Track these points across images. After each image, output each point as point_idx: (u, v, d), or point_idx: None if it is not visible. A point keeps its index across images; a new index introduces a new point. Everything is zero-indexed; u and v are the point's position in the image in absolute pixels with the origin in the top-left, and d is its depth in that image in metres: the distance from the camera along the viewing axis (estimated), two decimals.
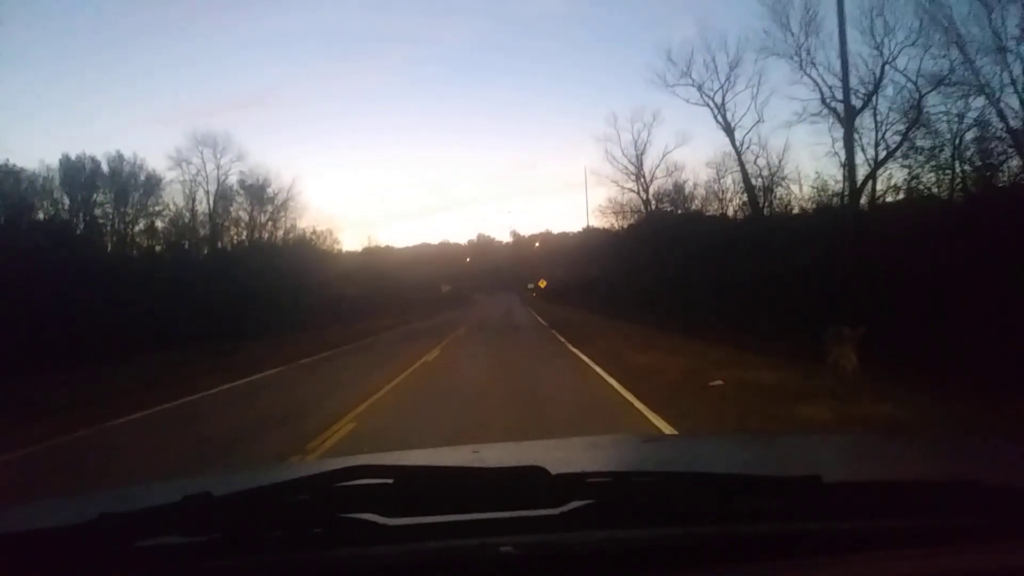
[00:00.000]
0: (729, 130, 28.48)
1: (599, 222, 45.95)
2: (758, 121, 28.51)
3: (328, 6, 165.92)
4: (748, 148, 28.41)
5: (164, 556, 1.05)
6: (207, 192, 38.90)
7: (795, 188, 27.55)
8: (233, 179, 39.59)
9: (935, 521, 1.09)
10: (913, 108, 17.66)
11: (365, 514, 1.07)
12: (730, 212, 31.17)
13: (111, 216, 36.46)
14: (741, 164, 28.62)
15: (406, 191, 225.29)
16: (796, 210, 25.18)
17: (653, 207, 37.40)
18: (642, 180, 37.90)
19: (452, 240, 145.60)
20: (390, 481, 1.10)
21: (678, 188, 36.76)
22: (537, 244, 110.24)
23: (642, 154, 37.50)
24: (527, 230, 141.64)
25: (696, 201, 35.18)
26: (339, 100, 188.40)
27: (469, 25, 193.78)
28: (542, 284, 68.70)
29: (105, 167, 36.01)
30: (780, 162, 28.09)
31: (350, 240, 67.70)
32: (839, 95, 19.68)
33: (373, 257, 59.88)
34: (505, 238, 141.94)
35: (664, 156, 36.99)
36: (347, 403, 9.13)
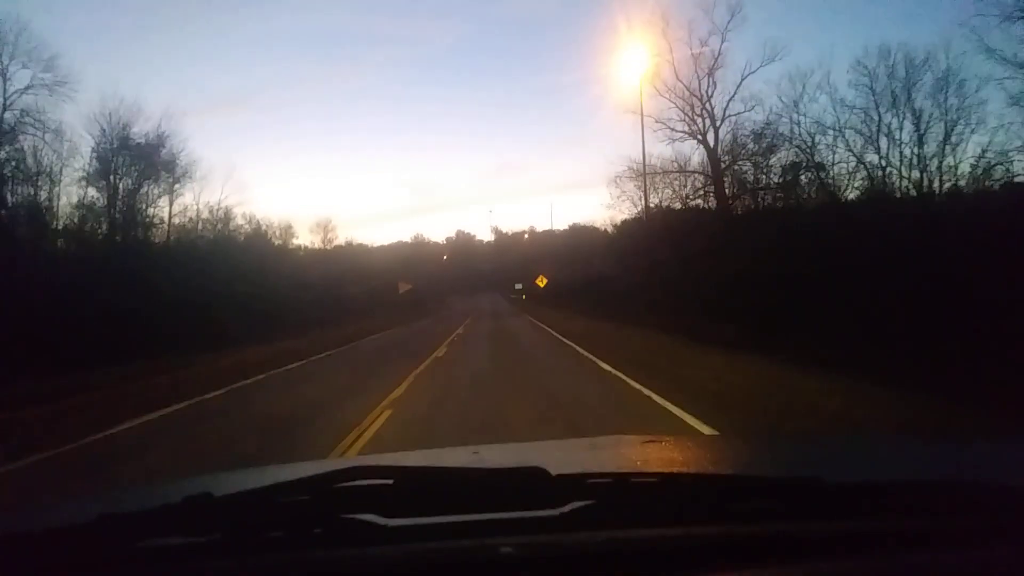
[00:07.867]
0: None
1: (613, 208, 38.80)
2: None
3: (308, 9, 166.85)
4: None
5: (165, 556, 1.17)
6: None
7: None
8: (33, 100, 25.70)
9: (935, 521, 1.21)
10: None
11: (365, 514, 1.19)
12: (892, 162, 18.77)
13: None
14: None
15: (387, 192, 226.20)
16: None
17: (727, 163, 25.70)
18: (707, 118, 25.53)
19: (430, 238, 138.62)
20: (390, 482, 1.23)
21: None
22: (526, 236, 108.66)
23: (711, 75, 25.31)
24: (510, 229, 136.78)
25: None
26: (319, 102, 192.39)
27: (452, 27, 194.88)
28: (541, 282, 54.52)
29: None
30: None
31: (314, 238, 62.95)
32: None
33: (328, 256, 56.88)
34: (487, 236, 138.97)
35: (744, 78, 24.87)
36: None
